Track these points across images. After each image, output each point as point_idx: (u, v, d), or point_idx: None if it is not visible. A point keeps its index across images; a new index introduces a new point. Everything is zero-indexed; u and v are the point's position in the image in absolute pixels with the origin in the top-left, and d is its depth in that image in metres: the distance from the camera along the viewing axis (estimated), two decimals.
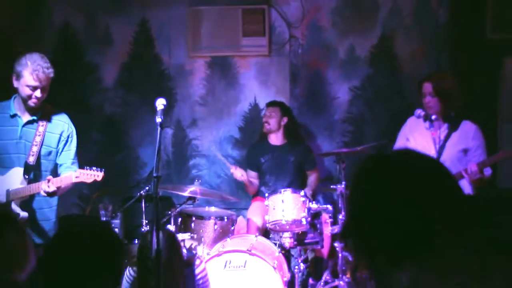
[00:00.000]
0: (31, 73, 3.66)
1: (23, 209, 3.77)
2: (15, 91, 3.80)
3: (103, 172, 3.79)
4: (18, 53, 3.88)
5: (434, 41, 5.81)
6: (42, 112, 3.86)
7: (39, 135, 3.81)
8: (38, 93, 3.71)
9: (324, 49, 5.96)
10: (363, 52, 5.92)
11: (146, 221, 5.05)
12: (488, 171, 4.03)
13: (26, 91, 3.71)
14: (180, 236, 4.85)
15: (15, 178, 3.77)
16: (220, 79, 6.04)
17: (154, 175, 3.48)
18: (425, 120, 4.14)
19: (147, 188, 4.96)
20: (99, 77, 6.12)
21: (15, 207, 3.75)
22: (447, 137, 4.14)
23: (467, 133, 4.13)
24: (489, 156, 4.11)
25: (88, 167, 3.79)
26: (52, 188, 3.67)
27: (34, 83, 3.68)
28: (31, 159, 3.78)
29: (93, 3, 6.04)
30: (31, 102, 3.75)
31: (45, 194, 3.71)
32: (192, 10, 5.93)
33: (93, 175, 3.77)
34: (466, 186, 3.95)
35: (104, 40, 6.08)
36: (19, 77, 3.70)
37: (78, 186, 5.67)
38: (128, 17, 6.04)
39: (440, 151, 4.10)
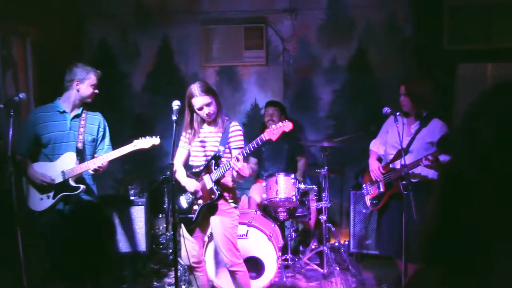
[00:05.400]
0: (96, 75, 3.88)
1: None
2: (60, 93, 3.91)
3: (158, 137, 3.86)
4: (65, 64, 3.98)
5: (401, 51, 5.77)
6: (83, 108, 3.96)
7: (82, 127, 3.91)
8: (96, 90, 3.92)
9: (311, 60, 5.93)
10: (343, 61, 5.90)
11: (167, 200, 5.08)
12: (445, 158, 3.85)
13: (90, 90, 3.90)
14: None
15: (69, 161, 3.84)
16: (227, 84, 6.04)
17: (170, 162, 3.53)
18: (395, 117, 4.05)
19: (168, 173, 4.96)
20: (130, 83, 6.14)
21: (72, 183, 3.83)
22: (418, 131, 4.06)
23: (434, 128, 4.02)
24: None
25: (144, 137, 3.88)
26: (97, 164, 3.76)
27: (97, 82, 3.90)
28: (80, 145, 3.88)
29: (124, 24, 6.04)
30: (91, 98, 3.93)
31: (92, 171, 3.80)
32: (204, 29, 5.91)
33: (151, 141, 3.86)
34: (430, 171, 3.91)
35: (133, 53, 6.09)
36: (84, 80, 3.86)
37: (113, 172, 5.75)
38: (153, 35, 6.04)
39: (410, 142, 4.04)
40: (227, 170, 3.56)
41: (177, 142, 3.87)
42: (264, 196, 4.73)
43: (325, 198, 4.85)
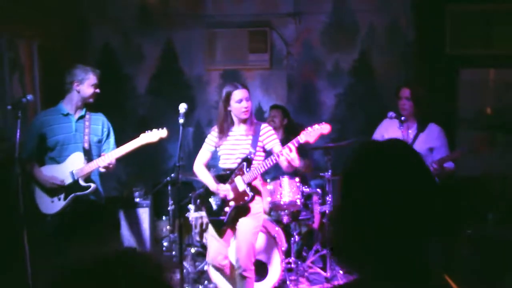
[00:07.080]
0: (95, 75, 3.86)
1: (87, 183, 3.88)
2: (62, 96, 3.92)
3: (165, 129, 3.87)
4: (67, 68, 3.96)
5: (403, 56, 5.78)
6: (86, 110, 3.95)
7: (87, 128, 3.91)
8: (98, 89, 3.88)
9: (314, 63, 5.95)
10: (346, 65, 5.91)
11: (172, 202, 5.07)
12: (450, 165, 3.97)
13: (91, 90, 3.86)
14: (198, 214, 4.90)
15: (78, 161, 3.83)
16: None
17: (176, 164, 3.55)
18: (400, 122, 4.07)
19: (172, 175, 4.97)
20: (133, 86, 6.12)
21: (82, 182, 3.83)
22: (415, 137, 4.09)
23: (432, 134, 4.06)
24: (449, 154, 4.04)
25: (149, 130, 3.88)
26: (106, 161, 3.77)
27: (97, 81, 3.86)
28: (86, 145, 3.88)
29: (128, 26, 6.03)
30: (93, 98, 3.90)
31: (103, 169, 3.81)
32: (208, 32, 5.92)
33: (158, 134, 3.86)
34: None
35: (137, 56, 6.07)
36: (83, 80, 3.83)
37: (117, 174, 5.72)
38: (157, 38, 6.03)
39: None
40: (259, 172, 3.66)
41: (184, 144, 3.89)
42: (269, 199, 4.72)
43: (329, 202, 4.85)
